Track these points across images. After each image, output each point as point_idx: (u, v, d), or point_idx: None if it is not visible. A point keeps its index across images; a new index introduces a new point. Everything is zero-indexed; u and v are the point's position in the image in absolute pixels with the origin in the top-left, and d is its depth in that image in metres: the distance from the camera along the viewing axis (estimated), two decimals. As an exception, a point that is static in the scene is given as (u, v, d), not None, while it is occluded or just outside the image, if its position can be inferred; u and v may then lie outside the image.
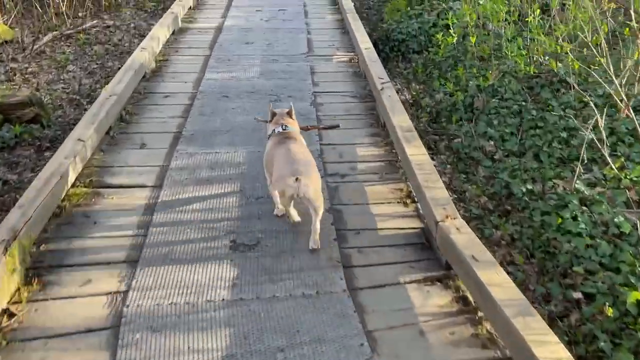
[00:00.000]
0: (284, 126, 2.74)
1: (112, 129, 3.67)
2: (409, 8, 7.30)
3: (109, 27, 7.04)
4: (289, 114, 2.85)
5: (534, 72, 4.75)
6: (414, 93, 5.07)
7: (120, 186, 3.06)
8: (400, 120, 3.50)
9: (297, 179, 2.37)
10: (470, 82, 4.79)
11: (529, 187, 3.34)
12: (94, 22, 6.96)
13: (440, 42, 5.60)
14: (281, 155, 2.56)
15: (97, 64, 5.80)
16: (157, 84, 4.54)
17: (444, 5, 6.64)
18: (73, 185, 3.01)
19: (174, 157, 3.36)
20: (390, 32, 6.33)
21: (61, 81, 5.25)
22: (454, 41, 5.40)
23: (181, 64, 5.01)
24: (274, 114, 2.84)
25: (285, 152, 2.56)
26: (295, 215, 2.69)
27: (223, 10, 6.93)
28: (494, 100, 4.43)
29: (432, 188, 2.72)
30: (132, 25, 7.22)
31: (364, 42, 5.05)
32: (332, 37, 5.94)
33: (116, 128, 3.72)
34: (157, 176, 3.16)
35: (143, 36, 6.86)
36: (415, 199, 2.96)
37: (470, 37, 5.25)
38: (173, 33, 5.82)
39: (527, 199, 3.24)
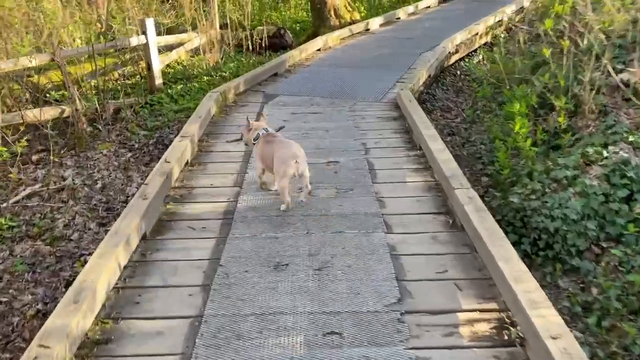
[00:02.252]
0: (267, 129, 3.68)
1: None
2: (536, 151, 4.59)
3: (62, 189, 4.55)
4: (262, 118, 3.98)
5: None
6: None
7: None
8: None
9: (296, 161, 3.30)
10: None
11: None
12: (36, 187, 4.48)
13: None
14: (280, 147, 3.42)
15: (7, 293, 3.22)
16: None
17: (606, 154, 3.93)
18: None
19: None
20: (528, 213, 3.61)
21: None
22: None
23: (136, 349, 2.30)
24: (250, 122, 3.75)
25: (282, 145, 3.45)
26: (289, 202, 3.44)
27: (238, 167, 4.32)
28: None
29: None
30: (100, 183, 4.72)
31: (529, 294, 2.27)
32: (433, 238, 3.14)
33: None
34: None
35: (109, 210, 4.32)
36: None
37: None
38: (144, 238, 3.20)
39: None
